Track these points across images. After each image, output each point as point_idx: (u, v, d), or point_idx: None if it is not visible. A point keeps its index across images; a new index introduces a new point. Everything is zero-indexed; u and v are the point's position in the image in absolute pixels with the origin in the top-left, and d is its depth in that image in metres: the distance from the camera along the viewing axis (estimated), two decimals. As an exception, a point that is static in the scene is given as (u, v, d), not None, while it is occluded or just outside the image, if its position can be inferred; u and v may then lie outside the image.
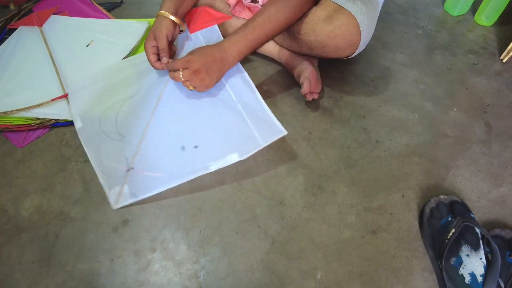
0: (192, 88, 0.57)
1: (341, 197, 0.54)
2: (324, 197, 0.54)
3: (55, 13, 0.80)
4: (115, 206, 0.51)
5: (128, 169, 0.54)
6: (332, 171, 0.57)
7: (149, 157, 0.55)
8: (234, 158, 0.53)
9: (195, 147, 0.56)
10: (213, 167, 0.53)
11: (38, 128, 0.61)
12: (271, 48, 0.70)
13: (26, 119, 0.61)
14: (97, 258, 0.47)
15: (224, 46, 0.56)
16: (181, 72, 0.55)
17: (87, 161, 0.57)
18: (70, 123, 0.61)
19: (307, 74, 0.61)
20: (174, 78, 0.56)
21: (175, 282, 0.46)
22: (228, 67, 0.58)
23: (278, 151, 0.59)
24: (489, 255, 0.47)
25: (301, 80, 0.62)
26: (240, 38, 0.56)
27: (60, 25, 0.77)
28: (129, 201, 0.51)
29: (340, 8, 0.57)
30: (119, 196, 0.52)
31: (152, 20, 0.79)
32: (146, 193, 0.52)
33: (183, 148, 0.56)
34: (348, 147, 0.60)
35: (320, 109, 0.66)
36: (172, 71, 0.56)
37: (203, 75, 0.55)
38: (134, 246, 0.48)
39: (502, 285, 0.46)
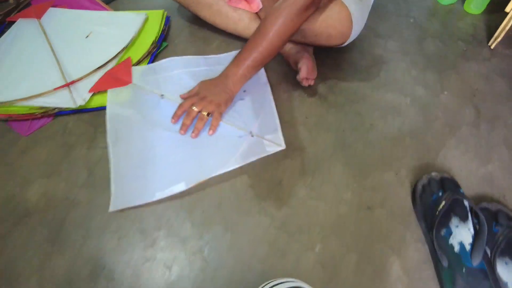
0: (207, 116, 0.57)
1: (337, 177, 0.56)
2: (321, 177, 0.56)
3: (54, 6, 0.81)
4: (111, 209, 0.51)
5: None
6: (328, 153, 0.59)
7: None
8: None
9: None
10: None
11: (42, 117, 0.62)
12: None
13: (30, 108, 0.62)
14: (104, 237, 0.49)
15: (224, 72, 0.59)
16: (194, 107, 0.57)
17: (90, 148, 0.59)
18: (73, 112, 0.63)
19: (304, 60, 0.63)
20: (189, 114, 0.58)
21: (181, 258, 0.48)
22: (234, 89, 0.59)
23: (276, 135, 0.61)
24: (477, 226, 0.50)
25: (298, 66, 0.64)
26: (239, 62, 0.58)
27: (58, 18, 0.78)
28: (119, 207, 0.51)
29: None
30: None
31: (149, 12, 0.80)
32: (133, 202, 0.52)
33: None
34: (343, 130, 0.63)
35: (316, 95, 0.68)
36: (185, 111, 0.58)
37: (210, 98, 0.57)
38: (139, 226, 0.50)
39: (488, 252, 0.49)
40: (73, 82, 0.65)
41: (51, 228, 0.50)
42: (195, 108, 0.57)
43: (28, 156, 0.58)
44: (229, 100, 0.59)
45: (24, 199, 0.53)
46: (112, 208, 0.51)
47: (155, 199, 0.52)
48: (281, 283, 0.36)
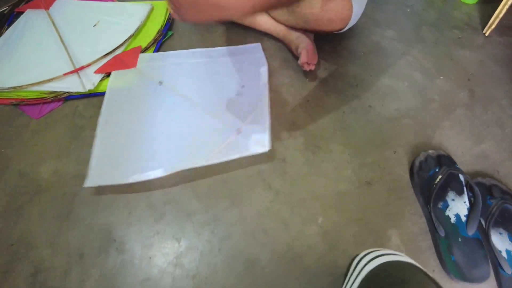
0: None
1: (337, 155, 0.58)
2: (322, 155, 0.58)
3: (61, -3, 0.83)
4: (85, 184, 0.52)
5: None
6: (328, 133, 0.61)
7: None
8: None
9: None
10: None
11: (52, 101, 0.64)
12: (268, 25, 0.74)
13: (41, 92, 0.64)
14: (114, 212, 0.51)
15: None
16: None
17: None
18: (82, 96, 0.65)
19: (305, 45, 0.65)
20: None
21: (189, 230, 0.50)
22: (227, 15, 0.43)
23: (278, 118, 0.63)
24: (472, 199, 0.52)
25: (299, 50, 0.66)
26: None
27: (66, 8, 0.81)
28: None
29: None
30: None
31: (155, 2, 0.83)
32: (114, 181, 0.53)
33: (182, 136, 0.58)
34: (343, 112, 0.65)
35: (317, 80, 0.70)
36: None
37: (187, 15, 0.41)
38: (148, 200, 0.52)
39: (483, 222, 0.51)
40: (82, 68, 0.67)
41: (62, 203, 0.52)
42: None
43: (40, 137, 0.60)
44: (208, 8, 0.40)
45: (35, 177, 0.55)
46: (88, 184, 0.51)
47: (130, 181, 0.52)
48: (383, 254, 0.30)
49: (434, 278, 0.26)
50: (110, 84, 0.66)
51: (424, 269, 0.27)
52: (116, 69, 0.68)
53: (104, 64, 0.68)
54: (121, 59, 0.69)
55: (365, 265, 0.30)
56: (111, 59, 0.69)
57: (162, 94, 0.64)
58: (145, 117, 0.61)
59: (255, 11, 0.43)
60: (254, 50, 0.73)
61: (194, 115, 0.61)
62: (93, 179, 0.52)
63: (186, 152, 0.56)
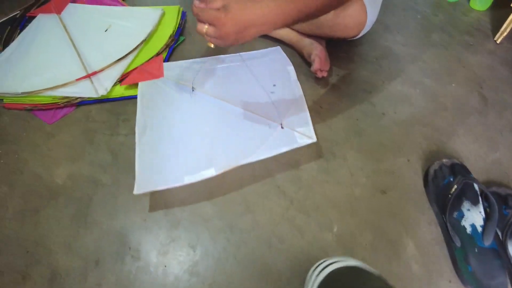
0: (206, 29, 0.46)
1: (351, 162, 0.58)
2: (336, 161, 0.58)
3: (73, 1, 0.83)
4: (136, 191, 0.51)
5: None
6: (342, 139, 0.61)
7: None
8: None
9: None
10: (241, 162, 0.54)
11: (65, 106, 0.64)
12: (281, 31, 0.75)
13: (54, 98, 0.64)
14: (129, 217, 0.51)
15: (268, 6, 0.45)
16: (206, 27, 0.45)
17: (113, 134, 0.61)
18: (95, 101, 0.65)
19: (317, 52, 0.66)
20: (197, 30, 0.47)
21: (204, 236, 0.50)
22: (262, 32, 0.47)
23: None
24: (487, 209, 0.52)
25: (312, 57, 0.66)
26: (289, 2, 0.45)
27: (78, 13, 0.81)
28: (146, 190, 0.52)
29: None
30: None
31: (166, 8, 0.83)
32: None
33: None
34: (357, 119, 0.65)
35: (329, 86, 0.70)
36: (198, 20, 0.47)
37: (230, 41, 0.46)
38: (164, 206, 0.52)
39: (500, 234, 0.51)
40: (94, 73, 0.67)
41: (78, 207, 0.52)
42: (206, 34, 0.46)
43: (54, 141, 0.60)
44: (240, 38, 0.46)
45: (51, 180, 0.55)
46: (136, 191, 0.51)
47: (185, 183, 0.51)
48: (331, 263, 0.35)
49: (380, 275, 0.27)
50: (140, 93, 0.64)
51: (369, 269, 0.29)
52: (144, 80, 0.67)
53: (130, 76, 0.67)
54: (146, 70, 0.69)
55: (316, 276, 0.32)
56: (135, 69, 0.69)
57: (197, 98, 0.64)
58: (185, 122, 0.60)
59: (286, 25, 0.48)
60: (276, 52, 0.74)
61: (234, 115, 0.61)
62: (141, 185, 0.51)
63: (233, 150, 0.56)
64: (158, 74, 0.68)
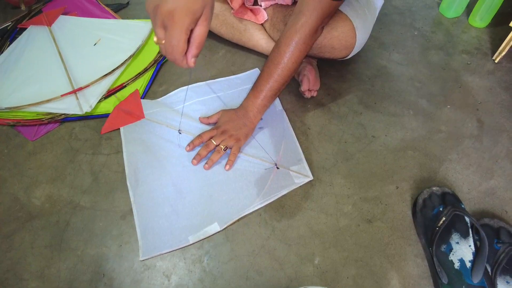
0: (223, 150, 0.56)
1: (338, 188, 0.56)
2: (322, 188, 0.56)
3: (64, 14, 0.83)
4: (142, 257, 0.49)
5: None
6: (329, 164, 0.59)
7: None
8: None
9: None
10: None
11: (48, 122, 0.63)
12: (270, 48, 0.73)
13: (38, 114, 0.63)
14: (106, 243, 0.50)
15: (243, 104, 0.59)
16: (213, 140, 0.57)
17: (95, 154, 0.60)
18: (79, 118, 0.64)
19: (306, 72, 0.64)
20: (207, 146, 0.57)
21: (180, 266, 0.48)
22: (254, 120, 0.59)
23: (278, 145, 0.61)
24: (478, 243, 0.50)
25: (300, 78, 0.64)
26: (256, 93, 0.57)
27: (68, 25, 0.80)
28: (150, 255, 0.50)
29: (337, 12, 0.59)
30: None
31: (157, 20, 0.82)
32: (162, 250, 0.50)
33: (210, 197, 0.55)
34: (345, 142, 0.63)
35: (319, 106, 0.68)
36: (203, 144, 0.58)
37: (231, 132, 0.57)
38: (140, 232, 0.51)
39: (489, 269, 0.48)
40: (80, 89, 0.66)
41: (53, 233, 0.51)
42: (214, 142, 0.56)
43: (35, 160, 0.59)
44: (250, 133, 0.59)
45: (28, 202, 0.54)
46: (142, 257, 0.49)
47: (190, 243, 0.50)
48: None
49: None
50: (124, 139, 0.61)
51: None
52: (124, 124, 0.62)
53: (109, 119, 0.63)
54: (124, 110, 0.64)
55: None
56: (113, 111, 0.64)
57: (186, 142, 0.60)
58: (177, 171, 0.57)
59: (272, 101, 0.59)
60: (255, 77, 0.71)
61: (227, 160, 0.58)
62: (146, 251, 0.49)
63: (235, 201, 0.54)
64: (138, 114, 0.63)
